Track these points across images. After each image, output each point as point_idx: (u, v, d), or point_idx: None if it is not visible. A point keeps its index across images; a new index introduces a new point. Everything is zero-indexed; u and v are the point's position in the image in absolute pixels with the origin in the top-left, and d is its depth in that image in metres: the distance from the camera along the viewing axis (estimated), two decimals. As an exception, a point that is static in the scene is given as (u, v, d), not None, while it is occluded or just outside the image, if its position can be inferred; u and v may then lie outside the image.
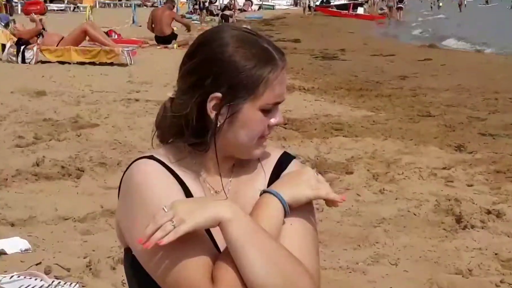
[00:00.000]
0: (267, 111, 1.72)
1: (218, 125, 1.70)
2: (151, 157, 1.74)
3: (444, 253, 4.17)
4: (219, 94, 1.68)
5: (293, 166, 1.83)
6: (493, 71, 14.64)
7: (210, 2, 37.24)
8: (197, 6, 32.90)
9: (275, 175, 1.80)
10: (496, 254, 4.15)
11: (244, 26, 2.01)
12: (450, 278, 3.77)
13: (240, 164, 1.81)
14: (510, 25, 39.55)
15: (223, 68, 1.68)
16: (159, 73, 11.84)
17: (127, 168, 1.73)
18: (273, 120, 1.74)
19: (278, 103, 1.74)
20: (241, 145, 1.74)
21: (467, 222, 4.65)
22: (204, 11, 30.41)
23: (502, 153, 6.89)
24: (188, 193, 1.71)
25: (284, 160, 1.85)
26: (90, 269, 3.66)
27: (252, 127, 1.72)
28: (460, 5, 70.23)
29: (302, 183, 1.71)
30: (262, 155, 1.81)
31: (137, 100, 9.22)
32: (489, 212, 4.86)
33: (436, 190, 5.50)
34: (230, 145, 1.74)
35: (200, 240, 1.61)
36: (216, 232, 1.64)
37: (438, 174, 6.00)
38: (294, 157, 1.88)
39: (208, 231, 1.66)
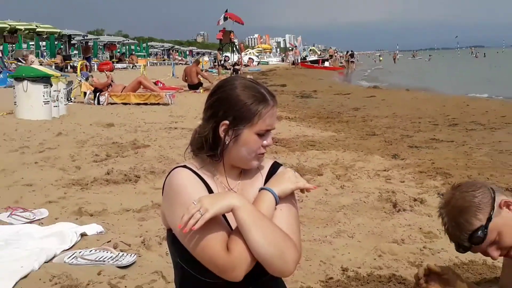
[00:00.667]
0: (261, 135, 1.72)
1: (226, 143, 1.71)
2: (184, 166, 1.75)
3: (385, 229, 4.16)
4: (227, 122, 1.69)
5: (280, 170, 1.84)
6: (418, 104, 14.60)
7: (225, 60, 37.32)
8: (215, 63, 32.91)
9: (269, 177, 1.80)
10: (420, 228, 4.13)
11: (249, 76, 2.02)
12: (389, 246, 3.75)
13: (245, 171, 1.81)
14: (428, 71, 39.89)
15: (231, 104, 1.69)
16: (190, 109, 11.87)
17: (168, 174, 1.74)
18: (265, 142, 1.74)
19: (269, 130, 1.74)
20: (242, 158, 1.74)
21: (401, 207, 4.65)
22: (220, 66, 30.41)
23: (424, 159, 6.88)
24: (209, 190, 1.72)
25: (275, 167, 1.85)
26: (144, 244, 3.65)
27: (250, 146, 1.72)
28: (394, 59, 70.23)
29: (286, 180, 1.72)
30: (260, 165, 1.81)
31: (175, 128, 9.21)
32: (415, 200, 4.85)
33: (379, 185, 5.49)
34: (234, 158, 1.74)
35: (219, 222, 1.62)
36: (229, 216, 1.66)
37: (381, 174, 5.99)
38: (282, 165, 1.89)
39: (224, 216, 1.66)
